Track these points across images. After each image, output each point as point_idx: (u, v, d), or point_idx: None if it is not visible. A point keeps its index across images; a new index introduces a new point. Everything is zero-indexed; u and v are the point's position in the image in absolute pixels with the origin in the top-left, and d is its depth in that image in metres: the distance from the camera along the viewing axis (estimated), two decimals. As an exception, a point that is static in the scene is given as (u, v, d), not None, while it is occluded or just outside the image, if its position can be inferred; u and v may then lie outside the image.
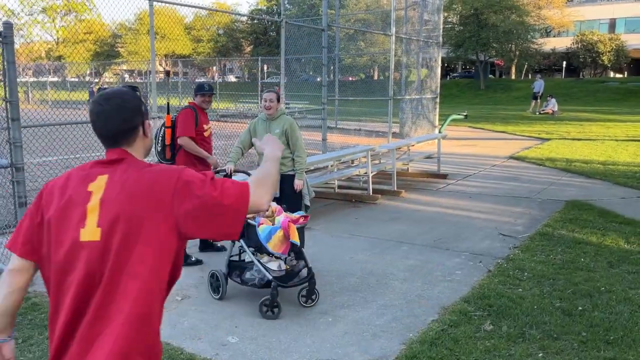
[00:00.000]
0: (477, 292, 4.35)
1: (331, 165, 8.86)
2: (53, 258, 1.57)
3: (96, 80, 31.28)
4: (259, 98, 23.16)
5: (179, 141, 5.02)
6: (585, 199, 7.63)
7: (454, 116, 16.23)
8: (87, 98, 26.58)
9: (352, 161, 9.74)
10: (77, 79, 35.64)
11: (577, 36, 45.08)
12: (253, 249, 4.12)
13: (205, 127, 5.21)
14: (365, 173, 8.06)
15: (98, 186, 1.58)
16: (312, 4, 34.19)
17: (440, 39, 15.16)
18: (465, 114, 17.54)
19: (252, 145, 5.06)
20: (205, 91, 5.21)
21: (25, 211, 4.25)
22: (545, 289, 4.38)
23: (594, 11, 48.88)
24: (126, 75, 38.41)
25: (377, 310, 4.10)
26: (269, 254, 4.09)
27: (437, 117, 15.24)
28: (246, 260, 4.51)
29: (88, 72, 36.21)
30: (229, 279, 4.29)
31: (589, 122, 19.47)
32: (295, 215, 4.24)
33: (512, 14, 38.54)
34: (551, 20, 43.02)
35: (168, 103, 5.37)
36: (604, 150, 12.31)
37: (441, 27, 15.34)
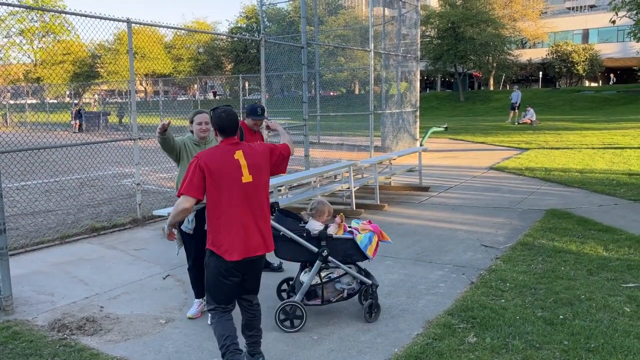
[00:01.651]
0: (461, 304, 4.39)
1: (314, 181, 8.91)
2: (225, 193, 3.15)
3: (76, 101, 31.02)
4: (240, 115, 23.15)
5: None
6: (564, 207, 7.76)
7: (435, 128, 16.44)
8: (70, 119, 26.40)
9: (335, 176, 9.80)
10: (56, 101, 35.33)
11: (552, 47, 46.12)
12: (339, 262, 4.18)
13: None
14: (348, 188, 8.11)
15: (239, 155, 3.22)
16: (291, 21, 34.46)
17: (419, 52, 15.40)
18: (445, 126, 17.79)
19: (175, 150, 4.46)
20: (256, 116, 5.17)
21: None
22: (527, 299, 4.44)
23: (567, 22, 50.11)
24: (95, 96, 38.12)
25: (362, 326, 4.11)
26: (351, 263, 4.27)
27: (417, 130, 15.42)
28: (324, 278, 4.29)
29: (67, 93, 35.92)
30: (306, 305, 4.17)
31: (566, 131, 19.84)
32: (364, 222, 4.38)
33: (488, 27, 39.29)
34: (526, 32, 43.99)
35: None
36: (581, 159, 12.55)
37: (419, 41, 15.59)
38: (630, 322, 3.94)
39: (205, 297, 4.19)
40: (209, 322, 3.75)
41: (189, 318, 4.32)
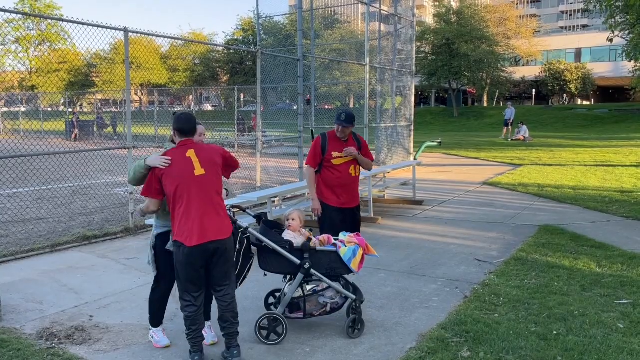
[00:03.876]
0: (454, 318, 4.36)
1: (308, 193, 8.88)
2: (181, 186, 3.51)
3: (70, 110, 30.93)
4: (236, 126, 23.16)
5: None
6: (557, 223, 7.78)
7: (429, 143, 16.49)
8: (64, 128, 26.29)
9: (329, 189, 9.77)
10: (50, 109, 35.19)
11: (545, 65, 46.66)
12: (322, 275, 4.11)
13: (334, 154, 4.98)
14: (342, 200, 8.08)
15: (191, 153, 3.60)
16: (287, 34, 34.72)
17: (413, 67, 15.50)
18: (439, 141, 17.87)
19: None
20: (339, 121, 4.97)
21: None
22: (521, 314, 4.42)
23: (560, 41, 50.78)
24: (81, 106, 37.97)
25: (355, 339, 4.07)
26: (336, 277, 4.20)
27: (412, 144, 15.46)
28: (307, 291, 4.26)
29: (62, 101, 35.82)
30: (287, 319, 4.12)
31: (559, 148, 19.98)
32: (351, 234, 4.31)
33: (483, 44, 39.72)
34: (520, 50, 44.50)
35: (312, 131, 5.23)
36: (574, 176, 12.62)
37: (414, 56, 15.70)
38: (623, 339, 3.93)
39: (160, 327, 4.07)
40: (183, 315, 3.70)
41: (166, 346, 3.98)
